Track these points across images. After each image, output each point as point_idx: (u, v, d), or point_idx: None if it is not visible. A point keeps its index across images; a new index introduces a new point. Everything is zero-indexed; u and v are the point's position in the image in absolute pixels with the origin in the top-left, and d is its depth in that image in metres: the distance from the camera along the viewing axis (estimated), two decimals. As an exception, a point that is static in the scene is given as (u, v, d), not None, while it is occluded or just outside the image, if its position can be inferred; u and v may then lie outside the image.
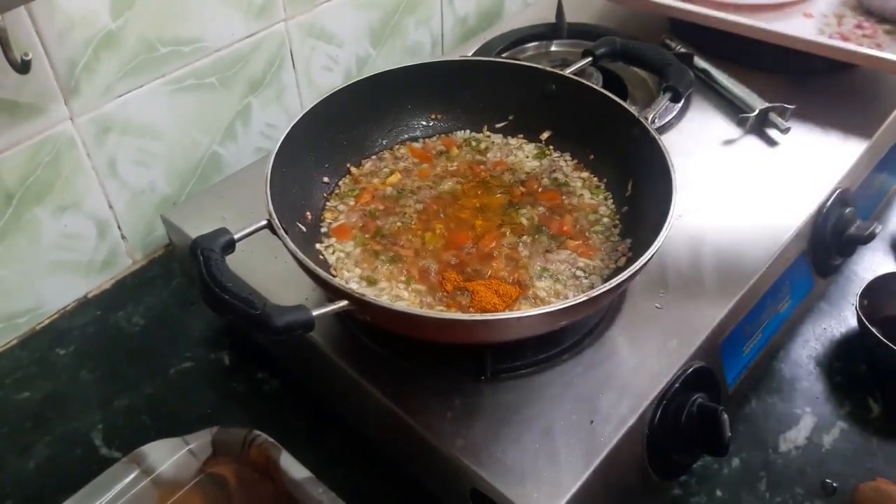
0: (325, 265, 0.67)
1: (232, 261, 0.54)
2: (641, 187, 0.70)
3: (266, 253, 0.67)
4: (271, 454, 0.61)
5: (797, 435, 0.72)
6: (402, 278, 0.65)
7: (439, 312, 0.60)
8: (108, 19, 0.74)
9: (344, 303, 0.54)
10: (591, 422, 0.59)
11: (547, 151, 0.79)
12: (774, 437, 0.72)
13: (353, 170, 0.77)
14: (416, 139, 0.80)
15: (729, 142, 0.86)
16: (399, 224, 0.71)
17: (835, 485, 0.68)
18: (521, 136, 0.80)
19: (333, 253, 0.68)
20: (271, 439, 0.62)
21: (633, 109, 0.70)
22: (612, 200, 0.73)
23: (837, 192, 0.80)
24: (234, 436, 0.63)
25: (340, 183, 0.75)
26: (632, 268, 0.56)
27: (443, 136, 0.81)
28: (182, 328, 0.83)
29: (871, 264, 0.89)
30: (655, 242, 0.57)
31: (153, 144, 0.85)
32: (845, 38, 0.93)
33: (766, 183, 0.80)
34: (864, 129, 0.86)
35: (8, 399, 0.76)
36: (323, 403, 0.74)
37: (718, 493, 0.68)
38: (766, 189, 0.80)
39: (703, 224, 0.75)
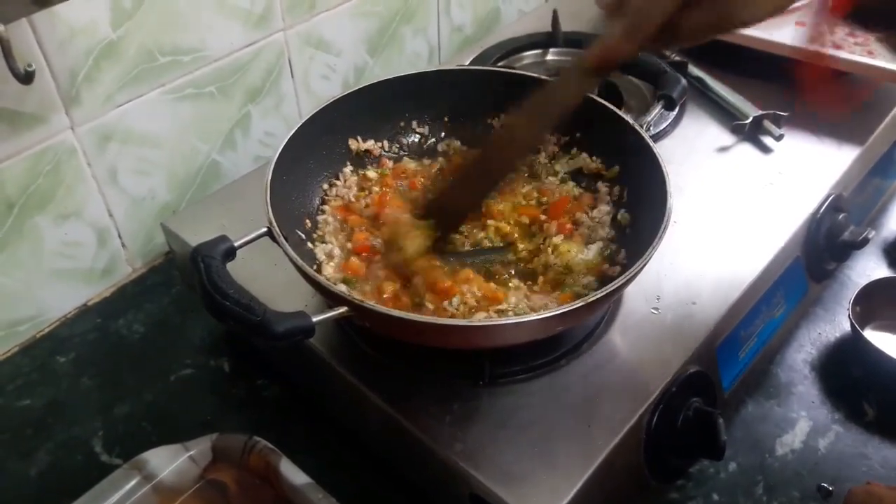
0: (324, 272, 0.67)
1: (232, 268, 0.54)
2: (636, 194, 0.70)
3: (266, 260, 0.67)
4: (271, 460, 0.61)
5: (793, 439, 0.73)
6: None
7: (439, 318, 0.61)
8: (109, 29, 0.75)
9: (343, 309, 0.54)
10: (589, 426, 0.59)
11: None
12: (770, 440, 0.72)
13: (352, 177, 0.77)
14: (413, 146, 0.81)
15: (723, 149, 0.87)
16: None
17: (830, 488, 0.68)
18: (518, 143, 0.81)
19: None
20: (271, 445, 0.62)
21: (628, 117, 0.70)
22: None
23: (831, 197, 0.80)
24: (234, 442, 0.63)
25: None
26: (627, 274, 0.56)
27: (441, 143, 0.82)
28: (182, 335, 0.83)
29: (864, 269, 0.90)
30: (650, 248, 0.58)
31: (153, 153, 0.85)
32: (838, 47, 0.94)
33: (760, 189, 0.81)
34: (857, 135, 0.87)
35: (9, 406, 0.76)
36: (322, 409, 0.74)
37: (715, 496, 0.68)
38: (760, 195, 0.80)
39: (698, 230, 0.76)
